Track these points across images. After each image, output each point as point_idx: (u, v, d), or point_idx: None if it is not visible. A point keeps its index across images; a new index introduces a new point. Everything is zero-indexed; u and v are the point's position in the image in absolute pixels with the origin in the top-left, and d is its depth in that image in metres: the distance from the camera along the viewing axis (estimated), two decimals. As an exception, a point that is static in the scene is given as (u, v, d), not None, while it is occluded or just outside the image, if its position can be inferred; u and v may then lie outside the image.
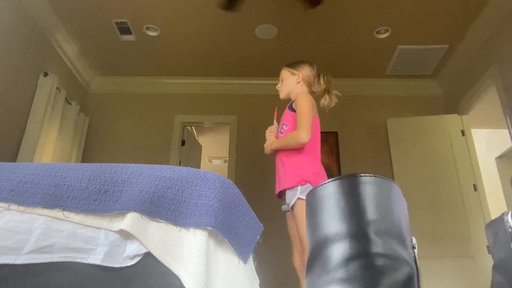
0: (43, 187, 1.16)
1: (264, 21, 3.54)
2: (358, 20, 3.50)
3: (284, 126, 2.12)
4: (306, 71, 2.21)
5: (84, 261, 1.08)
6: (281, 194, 2.08)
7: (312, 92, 2.22)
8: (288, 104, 2.19)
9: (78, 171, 1.21)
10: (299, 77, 2.19)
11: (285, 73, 2.24)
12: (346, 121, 4.28)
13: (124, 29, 3.66)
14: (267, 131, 2.22)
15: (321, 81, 2.20)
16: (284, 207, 2.07)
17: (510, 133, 3.14)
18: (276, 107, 2.32)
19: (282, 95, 2.24)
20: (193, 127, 5.21)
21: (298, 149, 1.98)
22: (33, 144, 3.18)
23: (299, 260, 1.98)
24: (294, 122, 2.03)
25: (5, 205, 1.13)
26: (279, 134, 2.15)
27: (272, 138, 2.17)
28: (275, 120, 2.26)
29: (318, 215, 0.65)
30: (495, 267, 1.09)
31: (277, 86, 2.28)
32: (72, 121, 3.85)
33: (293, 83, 2.20)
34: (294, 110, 2.08)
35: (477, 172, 3.68)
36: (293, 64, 2.25)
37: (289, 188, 1.93)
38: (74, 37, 3.81)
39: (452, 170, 3.71)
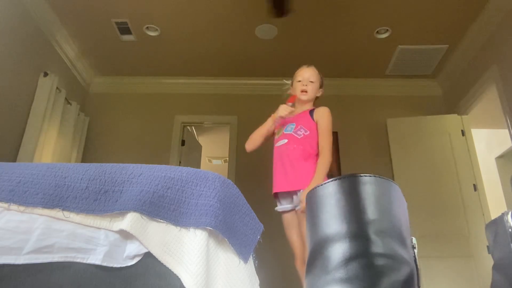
0: (43, 187, 1.16)
1: (264, 21, 3.54)
2: (358, 20, 3.50)
3: (303, 131, 2.10)
4: (322, 93, 2.29)
5: (84, 261, 1.08)
6: (279, 194, 2.08)
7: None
8: (307, 110, 2.19)
9: (78, 171, 1.21)
10: (320, 92, 2.26)
11: (317, 77, 2.24)
12: (346, 121, 4.27)
13: (124, 29, 3.66)
14: (282, 107, 2.15)
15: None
16: (281, 208, 2.06)
17: (510, 133, 3.14)
18: (296, 95, 2.24)
19: (307, 97, 2.20)
20: (193, 127, 5.21)
21: (315, 154, 2.06)
22: (33, 144, 3.18)
23: (302, 265, 1.98)
24: (316, 132, 2.08)
25: (5, 205, 1.13)
26: (295, 135, 2.11)
27: (285, 114, 2.13)
28: (290, 104, 2.21)
29: (318, 215, 0.65)
30: (495, 267, 1.09)
31: (305, 85, 2.19)
32: (72, 121, 3.85)
33: (316, 92, 2.24)
34: (314, 120, 2.12)
35: (477, 172, 3.68)
36: (322, 79, 2.29)
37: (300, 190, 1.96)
38: (74, 37, 3.81)
39: (452, 170, 3.71)
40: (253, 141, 2.27)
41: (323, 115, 2.10)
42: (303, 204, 1.86)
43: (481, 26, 3.44)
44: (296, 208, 2.01)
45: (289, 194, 2.03)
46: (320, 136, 2.06)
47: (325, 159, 1.98)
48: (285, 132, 2.16)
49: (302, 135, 2.09)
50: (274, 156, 2.17)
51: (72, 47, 3.93)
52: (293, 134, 2.12)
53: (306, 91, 2.18)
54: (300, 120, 2.16)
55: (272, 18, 3.03)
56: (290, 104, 2.19)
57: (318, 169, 1.97)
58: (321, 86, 2.26)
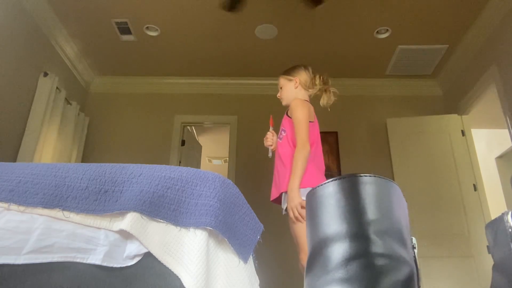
0: (43, 187, 1.16)
1: (264, 21, 3.54)
2: (358, 20, 3.50)
3: (282, 132, 2.12)
4: (302, 75, 2.20)
5: (84, 261, 1.08)
6: (276, 200, 2.08)
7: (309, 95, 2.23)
8: (286, 110, 2.19)
9: (78, 171, 1.21)
10: (296, 82, 2.19)
11: (282, 81, 2.24)
12: (346, 121, 4.28)
13: (124, 29, 3.66)
14: (264, 139, 2.24)
15: (317, 81, 2.20)
16: (284, 211, 2.06)
17: (510, 133, 3.14)
18: (272, 115, 2.33)
19: (285, 103, 2.23)
20: (193, 127, 5.21)
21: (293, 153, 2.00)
22: (33, 144, 3.18)
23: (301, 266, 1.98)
24: (292, 128, 2.03)
25: (5, 205, 1.13)
26: (279, 140, 2.13)
27: (268, 144, 2.21)
28: (271, 128, 2.26)
29: (318, 215, 0.65)
30: (495, 267, 1.09)
31: (277, 95, 2.27)
32: (72, 121, 3.85)
33: (292, 89, 2.20)
34: (290, 117, 2.08)
35: (477, 172, 3.68)
36: (289, 71, 2.25)
37: (286, 192, 1.92)
38: (74, 37, 3.81)
39: (452, 170, 3.71)
40: None
41: (292, 108, 2.05)
42: (289, 210, 1.85)
43: (481, 26, 3.44)
44: (283, 213, 2.02)
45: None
46: (294, 130, 1.99)
47: (297, 153, 1.90)
48: None
49: (282, 138, 2.10)
50: None
51: (72, 47, 3.93)
52: (278, 140, 2.15)
53: (281, 99, 2.24)
54: (282, 123, 2.18)
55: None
56: (271, 128, 2.25)
57: (293, 166, 1.89)
58: (292, 79, 2.21)
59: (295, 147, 1.95)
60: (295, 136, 1.97)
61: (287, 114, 2.14)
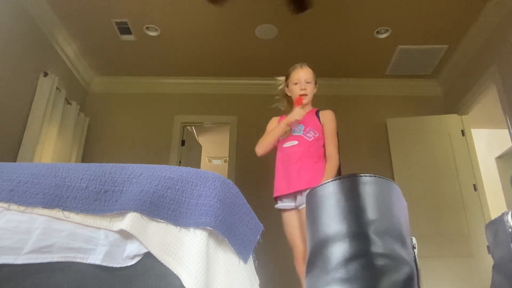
0: (43, 187, 1.16)
1: (264, 21, 3.54)
2: (358, 20, 3.50)
3: (313, 133, 2.12)
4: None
5: (84, 261, 1.08)
6: (282, 195, 2.07)
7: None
8: (314, 111, 2.21)
9: (78, 171, 1.21)
10: (315, 89, 2.27)
11: (313, 77, 2.24)
12: (346, 121, 4.27)
13: (124, 29, 3.66)
14: (299, 110, 2.11)
15: None
16: (282, 205, 2.06)
17: (510, 133, 3.14)
18: (302, 97, 2.17)
19: (307, 100, 2.21)
20: (193, 127, 5.21)
21: (323, 156, 2.11)
22: (33, 144, 3.18)
23: (302, 264, 1.97)
24: (323, 134, 2.13)
25: (5, 205, 1.13)
26: (306, 137, 2.11)
27: (300, 117, 2.10)
28: (300, 106, 2.14)
29: (318, 215, 0.65)
30: (495, 267, 1.09)
31: (304, 87, 2.17)
32: (72, 121, 3.85)
33: (313, 92, 2.26)
34: (321, 123, 2.16)
35: (477, 172, 3.68)
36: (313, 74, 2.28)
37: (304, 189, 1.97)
38: (74, 37, 3.81)
39: (452, 170, 3.71)
40: (267, 146, 2.18)
41: (330, 119, 2.15)
42: None
43: (481, 26, 3.44)
44: (300, 208, 2.01)
45: (293, 193, 2.03)
46: (327, 140, 2.11)
47: (334, 164, 2.04)
48: (293, 134, 2.14)
49: (312, 138, 2.11)
50: (280, 157, 2.15)
51: (72, 47, 3.93)
52: (303, 136, 2.12)
53: (306, 94, 2.17)
54: (308, 122, 2.15)
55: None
56: (300, 106, 2.14)
57: (327, 173, 2.01)
58: (315, 83, 2.27)
59: (322, 154, 2.10)
60: (330, 144, 2.10)
61: (318, 119, 2.17)
